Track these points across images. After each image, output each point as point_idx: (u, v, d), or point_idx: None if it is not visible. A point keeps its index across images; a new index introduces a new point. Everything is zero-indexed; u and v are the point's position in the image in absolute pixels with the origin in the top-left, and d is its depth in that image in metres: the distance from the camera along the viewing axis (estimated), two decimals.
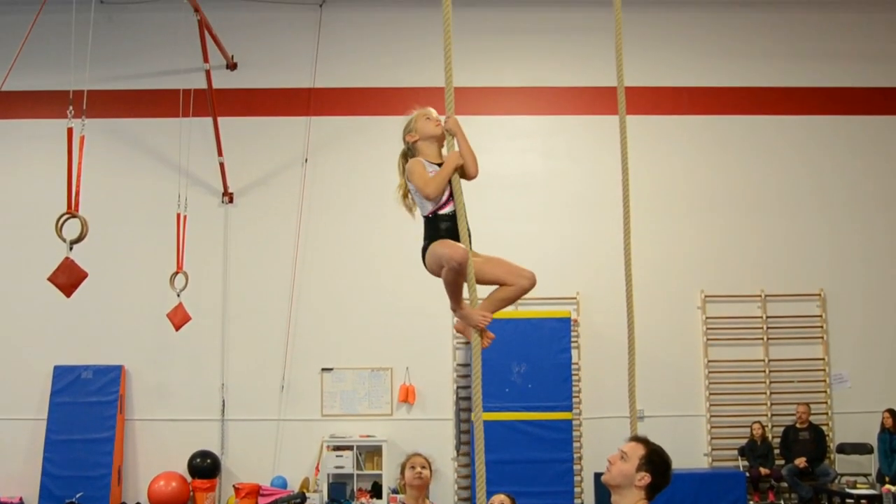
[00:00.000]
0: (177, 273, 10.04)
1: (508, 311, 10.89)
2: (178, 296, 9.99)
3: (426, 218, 4.11)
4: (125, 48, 11.75)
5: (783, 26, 12.10)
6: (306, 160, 11.60)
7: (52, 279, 6.78)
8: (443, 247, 3.95)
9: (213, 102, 10.76)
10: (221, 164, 11.24)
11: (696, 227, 11.62)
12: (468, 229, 3.93)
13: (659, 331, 10.98)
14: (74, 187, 6.97)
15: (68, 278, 6.79)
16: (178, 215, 10.17)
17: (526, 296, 4.07)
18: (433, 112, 4.22)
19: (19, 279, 11.03)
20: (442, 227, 4.04)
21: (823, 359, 11.41)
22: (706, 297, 11.44)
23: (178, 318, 9.95)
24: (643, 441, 3.36)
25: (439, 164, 4.08)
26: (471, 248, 3.98)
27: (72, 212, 6.90)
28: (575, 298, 11.33)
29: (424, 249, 4.09)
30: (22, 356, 11.17)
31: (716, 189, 11.69)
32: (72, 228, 6.75)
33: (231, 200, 11.57)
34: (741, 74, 11.94)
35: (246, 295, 11.45)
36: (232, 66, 11.74)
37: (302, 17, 11.92)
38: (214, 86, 10.78)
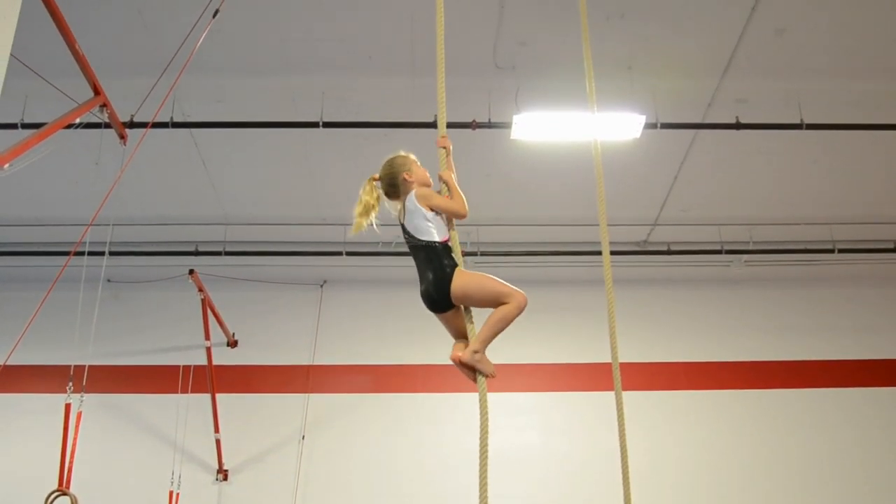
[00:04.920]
0: None
1: None
2: None
3: (438, 246, 4.18)
4: (128, 325, 11.96)
5: (774, 302, 12.42)
6: (303, 437, 11.50)
7: None
8: (499, 283, 4.09)
9: (212, 379, 10.82)
10: (217, 441, 11.13)
11: (697, 502, 11.32)
12: None
13: None
14: (68, 464, 6.90)
15: None
16: (171, 493, 9.96)
17: None
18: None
19: None
20: (450, 257, 4.14)
21: None
22: None
23: None
24: None
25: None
26: None
27: (62, 489, 6.79)
28: None
29: (445, 278, 4.09)
30: None
31: (715, 463, 11.48)
32: None
33: (226, 478, 11.33)
34: (735, 350, 12.10)
35: None
36: (232, 344, 11.93)
37: (303, 297, 12.24)
38: (214, 362, 10.90)
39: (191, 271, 9.87)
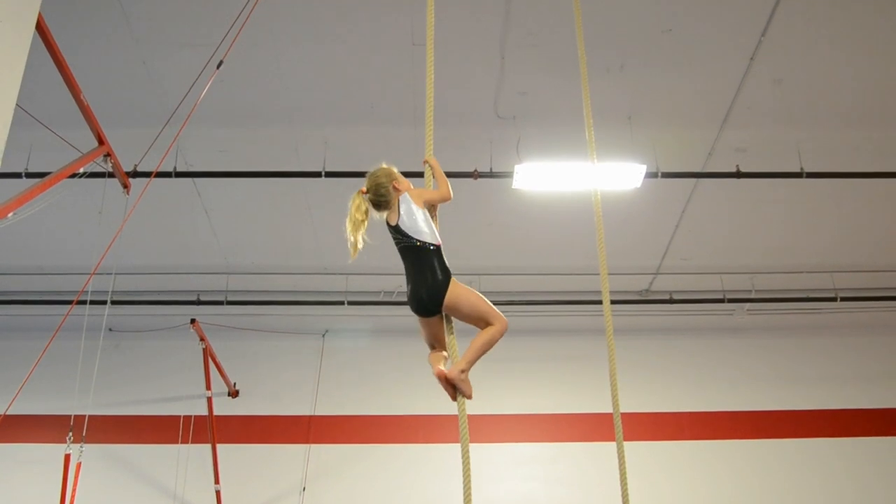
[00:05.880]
0: None
1: None
2: None
3: (433, 248, 4.18)
4: (129, 374, 11.91)
5: (777, 351, 12.35)
6: (304, 488, 11.40)
7: None
8: (488, 304, 4.13)
9: (213, 430, 10.75)
10: (218, 493, 11.03)
11: None
12: None
13: None
14: None
15: None
16: None
17: None
18: None
19: None
20: (444, 264, 4.15)
21: None
22: None
23: None
24: None
25: None
26: None
27: None
28: None
29: (440, 286, 4.09)
30: None
31: None
32: None
33: None
34: (737, 399, 12.00)
35: None
36: (234, 394, 11.87)
37: (304, 346, 12.20)
38: (215, 412, 10.83)
39: (192, 320, 9.85)
